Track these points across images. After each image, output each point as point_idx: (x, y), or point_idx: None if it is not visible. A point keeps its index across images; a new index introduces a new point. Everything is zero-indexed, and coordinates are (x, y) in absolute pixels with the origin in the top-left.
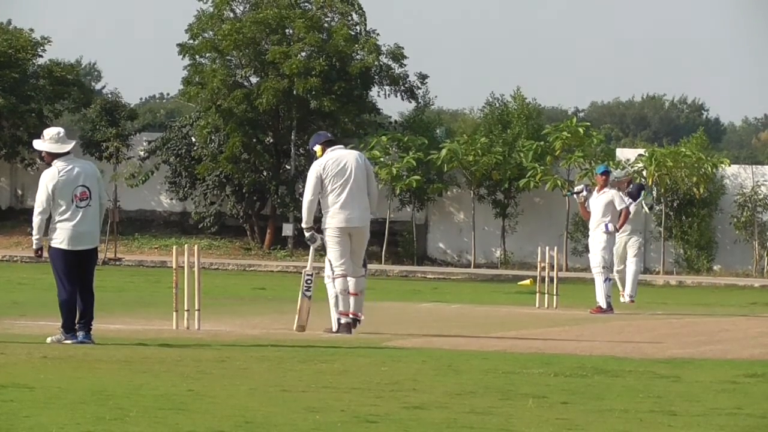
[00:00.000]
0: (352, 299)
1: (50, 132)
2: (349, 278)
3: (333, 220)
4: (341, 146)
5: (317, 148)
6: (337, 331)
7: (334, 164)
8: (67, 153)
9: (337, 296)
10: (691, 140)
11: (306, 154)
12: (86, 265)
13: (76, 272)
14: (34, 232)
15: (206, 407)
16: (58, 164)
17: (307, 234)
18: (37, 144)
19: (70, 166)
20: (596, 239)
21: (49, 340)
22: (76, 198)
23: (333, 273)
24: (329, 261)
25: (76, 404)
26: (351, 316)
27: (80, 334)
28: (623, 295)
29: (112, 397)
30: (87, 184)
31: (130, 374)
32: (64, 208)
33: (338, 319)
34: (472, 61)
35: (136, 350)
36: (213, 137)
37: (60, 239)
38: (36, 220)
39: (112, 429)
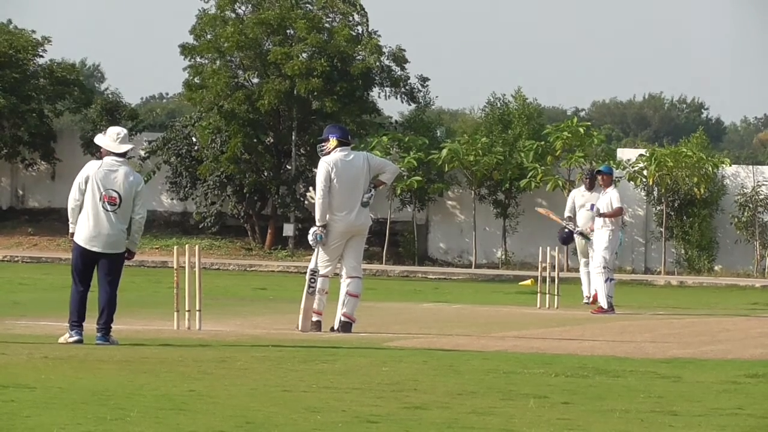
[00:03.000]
0: (344, 300)
1: (112, 130)
2: (348, 279)
3: (338, 224)
4: (349, 148)
5: (333, 139)
6: (335, 330)
7: (343, 166)
8: (122, 155)
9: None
10: (692, 140)
11: (306, 154)
12: (105, 268)
13: (89, 272)
14: (70, 218)
15: (207, 407)
16: (107, 160)
17: (318, 231)
18: (97, 138)
19: (116, 168)
20: (598, 239)
21: (60, 339)
22: (105, 199)
23: (318, 271)
24: (316, 259)
25: (77, 404)
26: (344, 318)
27: (98, 336)
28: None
29: (113, 398)
30: (120, 191)
31: (131, 374)
32: (90, 203)
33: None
34: (472, 61)
35: (137, 350)
36: (215, 138)
37: (79, 235)
38: (70, 205)
39: (113, 429)
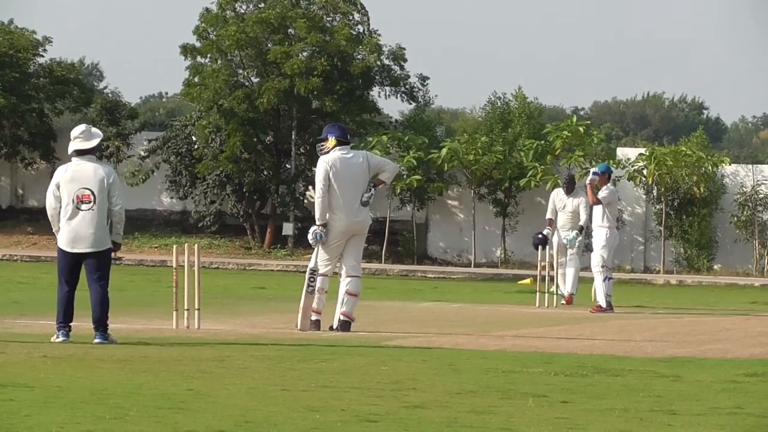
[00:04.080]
0: (343, 299)
1: (74, 131)
2: (347, 278)
3: (338, 224)
4: (349, 146)
5: (331, 138)
6: (334, 329)
7: (342, 165)
8: (88, 152)
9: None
10: (692, 139)
11: (306, 153)
12: (91, 267)
13: (76, 274)
14: (53, 227)
15: (206, 406)
16: (72, 161)
17: (318, 230)
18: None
19: (81, 166)
20: (596, 238)
21: (52, 338)
22: (78, 199)
23: (318, 270)
24: (315, 258)
25: (76, 403)
26: (344, 317)
27: (96, 335)
28: (563, 292)
29: (112, 397)
30: (91, 187)
31: (130, 373)
32: (65, 207)
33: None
34: (472, 60)
35: (136, 349)
36: (214, 137)
37: (61, 239)
38: (49, 215)
39: (112, 428)
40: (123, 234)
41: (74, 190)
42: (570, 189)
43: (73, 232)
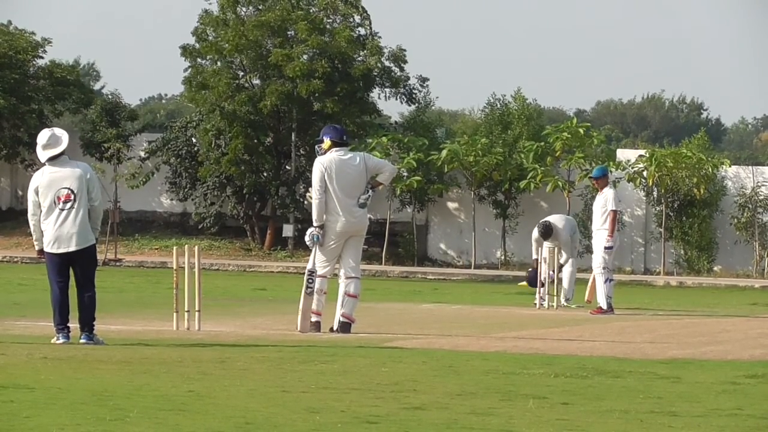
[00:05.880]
0: (343, 301)
1: (40, 139)
2: (347, 280)
3: (336, 225)
4: (346, 148)
5: (327, 140)
6: (334, 330)
7: (339, 167)
8: (60, 155)
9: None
10: (692, 141)
11: (306, 154)
12: (78, 266)
13: (64, 273)
14: (34, 235)
15: (206, 408)
16: (47, 166)
17: (315, 232)
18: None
19: (57, 169)
20: (598, 240)
21: (52, 340)
22: (59, 200)
23: (316, 272)
24: (313, 259)
25: (76, 405)
26: (343, 318)
27: (82, 335)
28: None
29: (113, 398)
30: (71, 186)
31: (131, 375)
32: (47, 209)
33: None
34: (472, 61)
35: (137, 351)
36: (217, 140)
37: (46, 241)
38: (30, 222)
39: (112, 430)
40: (122, 235)
41: (54, 192)
42: (546, 235)
43: (57, 232)
